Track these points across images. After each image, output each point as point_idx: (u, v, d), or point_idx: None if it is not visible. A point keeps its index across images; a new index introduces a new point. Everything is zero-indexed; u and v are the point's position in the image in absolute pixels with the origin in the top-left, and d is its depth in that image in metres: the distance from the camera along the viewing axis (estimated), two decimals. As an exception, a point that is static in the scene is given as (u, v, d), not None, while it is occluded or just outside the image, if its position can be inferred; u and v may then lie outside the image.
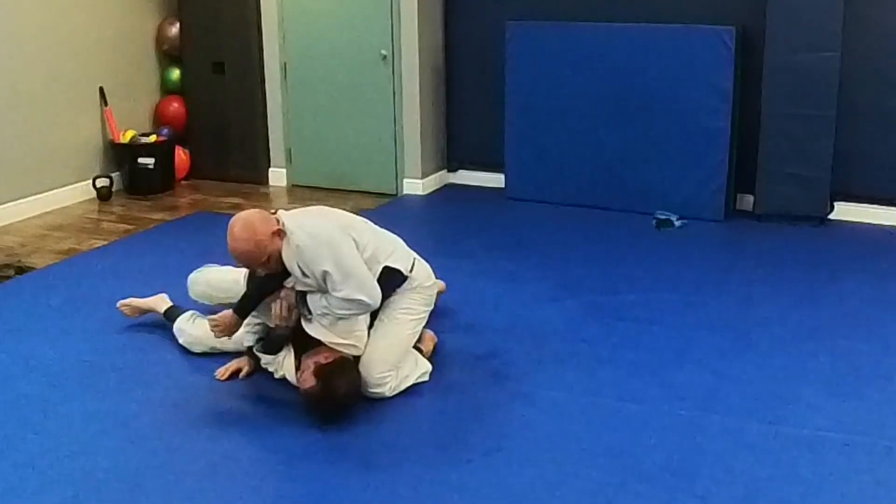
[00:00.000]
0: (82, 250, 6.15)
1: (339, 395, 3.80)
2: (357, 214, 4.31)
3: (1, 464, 3.55)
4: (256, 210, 3.89)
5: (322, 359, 3.82)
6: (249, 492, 3.39)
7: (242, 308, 4.01)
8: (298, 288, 3.88)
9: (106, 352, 4.51)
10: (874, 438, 3.68)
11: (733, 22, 6.41)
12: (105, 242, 6.31)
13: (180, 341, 4.48)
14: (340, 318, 3.86)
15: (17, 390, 4.14)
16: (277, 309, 3.92)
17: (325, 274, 3.74)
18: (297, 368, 3.94)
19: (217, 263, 4.69)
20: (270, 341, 4.05)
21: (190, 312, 4.55)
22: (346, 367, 3.86)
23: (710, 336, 4.67)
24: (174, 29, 7.84)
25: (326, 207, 4.23)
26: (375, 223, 4.21)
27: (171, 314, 4.61)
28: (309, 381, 3.78)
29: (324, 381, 3.76)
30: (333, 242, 3.80)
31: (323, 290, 3.81)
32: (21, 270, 5.69)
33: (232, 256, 3.80)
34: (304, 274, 3.78)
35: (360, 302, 3.79)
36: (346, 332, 3.91)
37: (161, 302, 4.72)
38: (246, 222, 3.73)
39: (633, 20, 6.70)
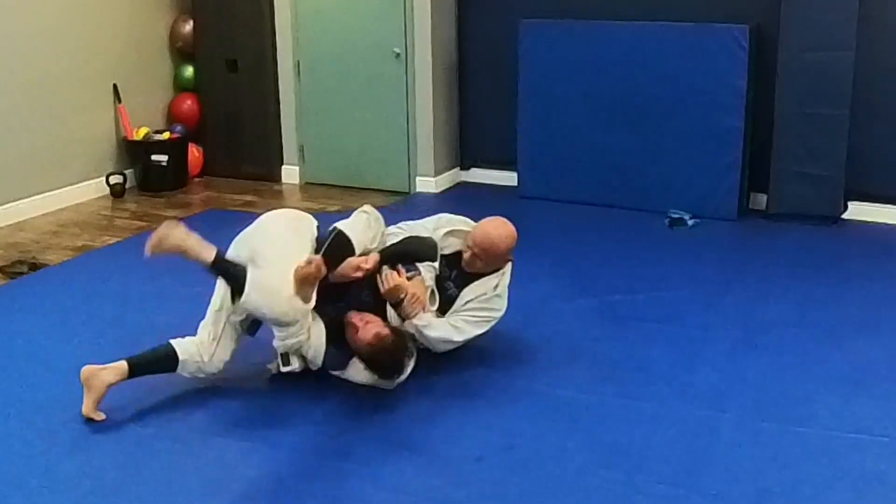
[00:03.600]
0: (95, 247, 6.17)
1: (403, 342, 3.93)
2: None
3: (9, 458, 3.57)
4: None
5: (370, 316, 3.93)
6: (255, 493, 3.40)
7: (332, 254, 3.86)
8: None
9: (117, 348, 4.52)
10: (887, 439, 3.67)
11: (747, 20, 6.39)
12: (118, 239, 6.33)
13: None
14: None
15: (27, 386, 4.16)
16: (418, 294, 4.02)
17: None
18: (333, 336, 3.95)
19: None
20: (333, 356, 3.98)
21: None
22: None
23: (723, 335, 4.66)
24: (188, 26, 7.86)
25: None
26: (388, 222, 4.25)
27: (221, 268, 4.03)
28: (377, 326, 3.85)
29: (391, 329, 3.90)
30: None
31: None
32: (34, 267, 5.71)
33: (484, 244, 4.08)
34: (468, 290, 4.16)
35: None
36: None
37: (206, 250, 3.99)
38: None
39: (647, 18, 6.68)
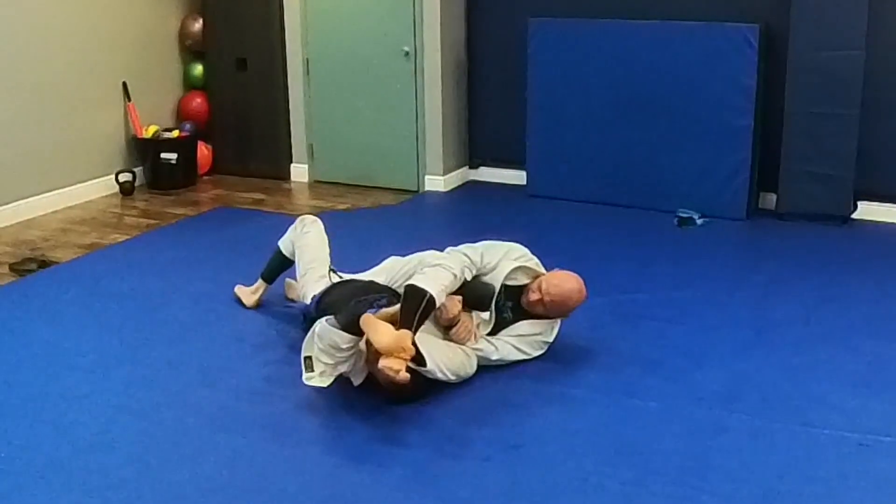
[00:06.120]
0: (104, 245, 6.18)
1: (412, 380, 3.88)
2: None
3: (17, 458, 3.57)
4: None
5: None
6: (261, 489, 3.41)
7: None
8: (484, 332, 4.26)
9: (126, 346, 4.54)
10: (892, 439, 3.66)
11: (757, 20, 6.37)
12: (127, 237, 6.34)
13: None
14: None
15: (37, 384, 4.17)
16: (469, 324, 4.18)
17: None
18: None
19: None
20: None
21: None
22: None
23: (732, 335, 4.65)
24: (197, 25, 7.88)
25: None
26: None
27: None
28: (387, 384, 3.84)
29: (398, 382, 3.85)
30: None
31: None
32: (43, 264, 5.72)
33: (557, 298, 4.24)
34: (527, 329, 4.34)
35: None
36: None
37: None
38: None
39: (657, 17, 6.67)
